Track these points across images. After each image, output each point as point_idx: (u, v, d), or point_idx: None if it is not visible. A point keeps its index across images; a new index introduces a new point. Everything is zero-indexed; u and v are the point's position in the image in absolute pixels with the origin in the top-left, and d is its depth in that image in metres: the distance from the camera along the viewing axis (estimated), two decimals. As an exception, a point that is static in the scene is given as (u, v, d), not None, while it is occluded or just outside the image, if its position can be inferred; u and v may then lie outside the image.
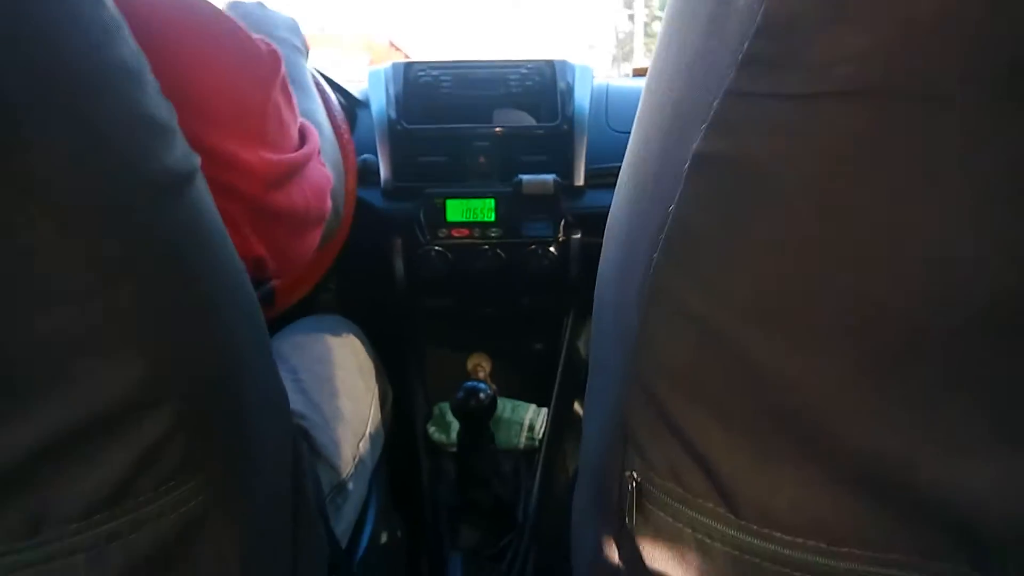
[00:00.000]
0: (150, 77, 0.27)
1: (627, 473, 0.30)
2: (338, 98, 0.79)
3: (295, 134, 0.44)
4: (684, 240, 0.24)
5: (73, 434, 0.24)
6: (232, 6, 0.59)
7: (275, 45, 0.40)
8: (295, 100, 0.44)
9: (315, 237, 0.50)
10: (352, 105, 0.87)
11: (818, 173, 0.21)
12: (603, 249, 0.35)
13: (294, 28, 0.64)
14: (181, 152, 0.28)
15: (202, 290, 0.29)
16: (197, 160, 0.29)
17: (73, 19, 0.23)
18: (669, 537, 0.29)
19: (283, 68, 0.40)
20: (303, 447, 0.43)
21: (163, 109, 0.27)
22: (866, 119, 0.20)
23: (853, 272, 0.21)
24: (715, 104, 0.22)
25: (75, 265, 0.23)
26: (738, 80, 0.21)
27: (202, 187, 0.29)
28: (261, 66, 0.38)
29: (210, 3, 0.37)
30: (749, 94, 0.21)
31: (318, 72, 0.75)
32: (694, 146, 0.23)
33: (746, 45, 0.21)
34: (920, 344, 0.22)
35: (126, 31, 0.26)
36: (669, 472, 0.28)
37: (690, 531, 0.28)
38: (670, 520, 0.28)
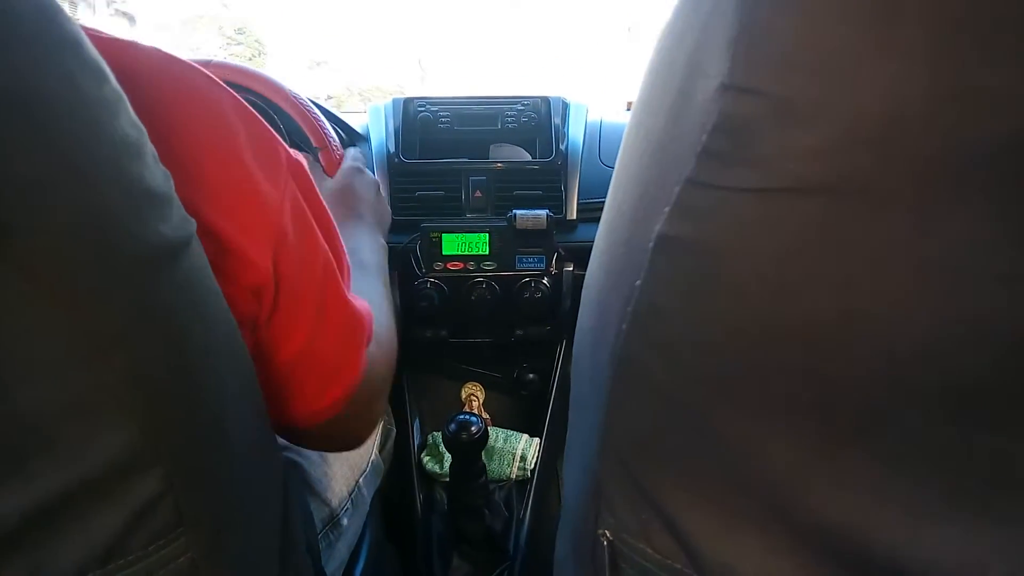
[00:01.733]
0: (149, 146, 0.27)
1: (600, 531, 0.31)
2: (337, 131, 0.81)
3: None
4: (649, 314, 0.25)
5: (64, 498, 0.25)
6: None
7: (299, 155, 0.36)
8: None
9: None
10: (352, 139, 0.89)
11: (770, 261, 0.22)
12: (581, 303, 0.36)
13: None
14: (178, 219, 0.28)
15: (193, 351, 0.29)
16: (193, 225, 0.29)
17: (76, 95, 0.23)
18: None
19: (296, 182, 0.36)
20: (291, 485, 0.44)
21: (160, 177, 0.27)
22: (814, 213, 0.21)
23: (805, 353, 0.22)
24: (676, 190, 0.23)
25: (67, 340, 0.23)
26: (697, 170, 0.22)
27: (197, 250, 0.29)
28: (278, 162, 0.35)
29: (221, 86, 0.34)
30: (707, 184, 0.22)
31: (315, 105, 0.76)
32: (657, 227, 0.24)
33: (704, 139, 0.22)
34: (873, 419, 0.23)
35: (126, 102, 0.26)
36: (640, 533, 0.29)
37: None
38: None
